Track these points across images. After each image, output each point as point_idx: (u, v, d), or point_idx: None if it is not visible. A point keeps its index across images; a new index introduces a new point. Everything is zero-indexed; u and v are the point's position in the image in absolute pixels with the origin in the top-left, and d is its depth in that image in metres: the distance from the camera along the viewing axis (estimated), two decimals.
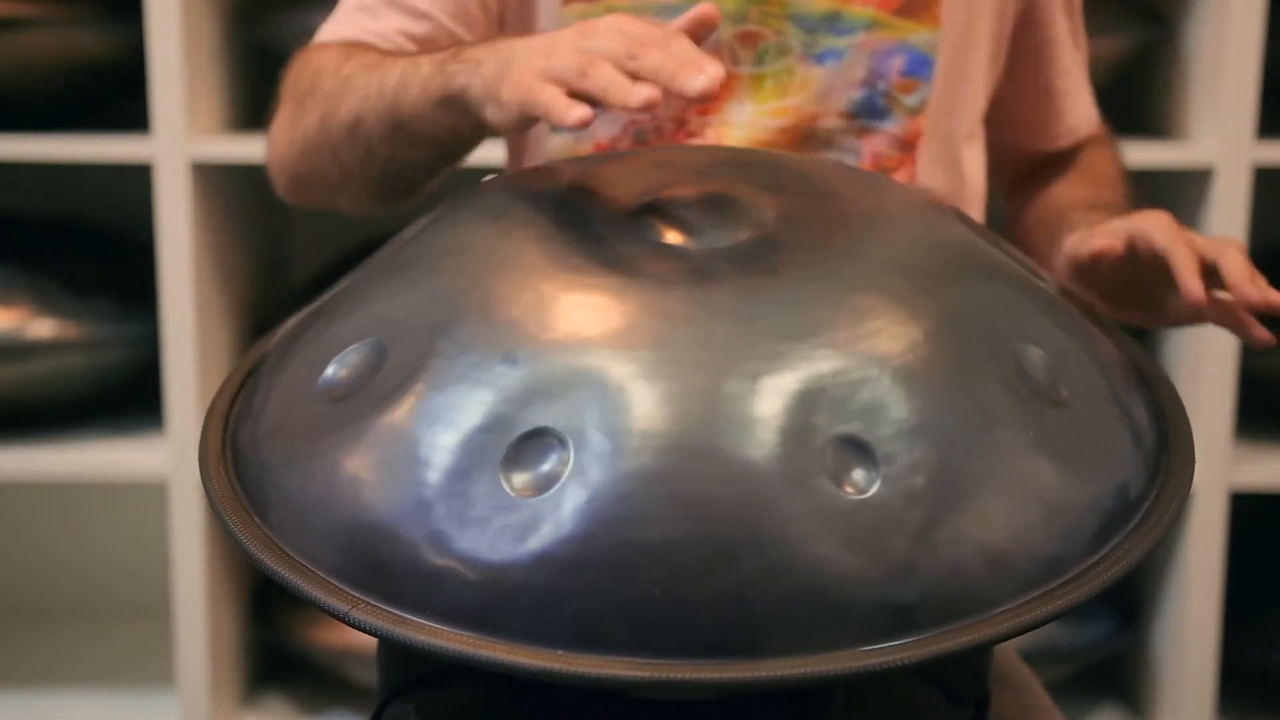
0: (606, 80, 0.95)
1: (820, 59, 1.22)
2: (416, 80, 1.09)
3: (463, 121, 1.07)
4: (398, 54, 1.17)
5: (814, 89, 1.22)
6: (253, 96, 2.29)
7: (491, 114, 1.03)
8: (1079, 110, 1.41)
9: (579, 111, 0.94)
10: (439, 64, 1.08)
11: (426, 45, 1.23)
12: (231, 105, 2.21)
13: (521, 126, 1.02)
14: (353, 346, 0.92)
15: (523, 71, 1.00)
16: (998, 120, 1.37)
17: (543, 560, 0.80)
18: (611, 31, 0.98)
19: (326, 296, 1.02)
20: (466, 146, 1.13)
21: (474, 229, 0.98)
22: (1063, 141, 1.41)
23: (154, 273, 2.10)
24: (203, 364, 2.07)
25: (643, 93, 0.93)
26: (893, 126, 1.24)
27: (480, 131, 1.09)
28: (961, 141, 1.29)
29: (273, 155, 1.25)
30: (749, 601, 0.78)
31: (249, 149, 2.04)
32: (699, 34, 1.02)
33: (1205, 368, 2.04)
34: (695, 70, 0.93)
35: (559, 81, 0.97)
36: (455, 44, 1.24)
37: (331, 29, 1.27)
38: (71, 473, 2.15)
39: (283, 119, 1.23)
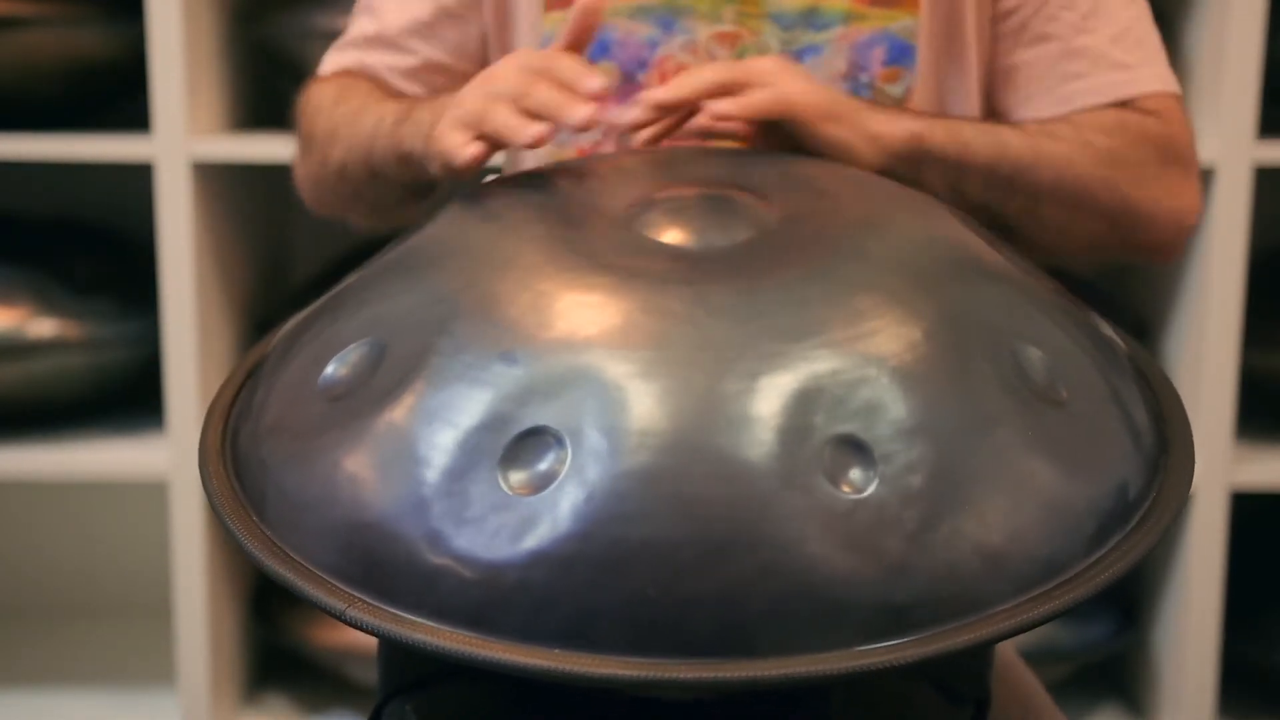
0: (500, 122, 1.04)
1: (800, 56, 1.22)
2: (382, 136, 1.20)
3: (419, 174, 1.16)
4: (381, 96, 1.27)
5: None
6: (254, 96, 2.30)
7: (431, 170, 1.12)
8: (1099, 70, 1.25)
9: (472, 150, 1.05)
10: (395, 122, 1.18)
11: (415, 77, 1.33)
12: (232, 105, 2.21)
13: (446, 177, 1.11)
14: (352, 345, 0.93)
15: (438, 125, 1.09)
16: (1009, 103, 1.29)
17: (539, 559, 0.80)
18: (508, 73, 1.07)
19: (327, 296, 1.03)
20: (437, 188, 1.21)
21: (473, 229, 0.98)
22: (1079, 100, 1.25)
23: (155, 272, 2.10)
24: (203, 363, 2.07)
25: (532, 131, 1.02)
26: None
27: (437, 181, 1.17)
28: None
29: (299, 181, 1.37)
30: (745, 601, 0.78)
31: (250, 148, 2.04)
32: (585, 33, 1.10)
33: (1206, 367, 2.04)
34: (576, 102, 1.02)
35: (465, 127, 1.06)
36: (440, 73, 1.33)
37: (332, 60, 1.37)
38: (72, 472, 2.15)
39: (298, 154, 1.35)
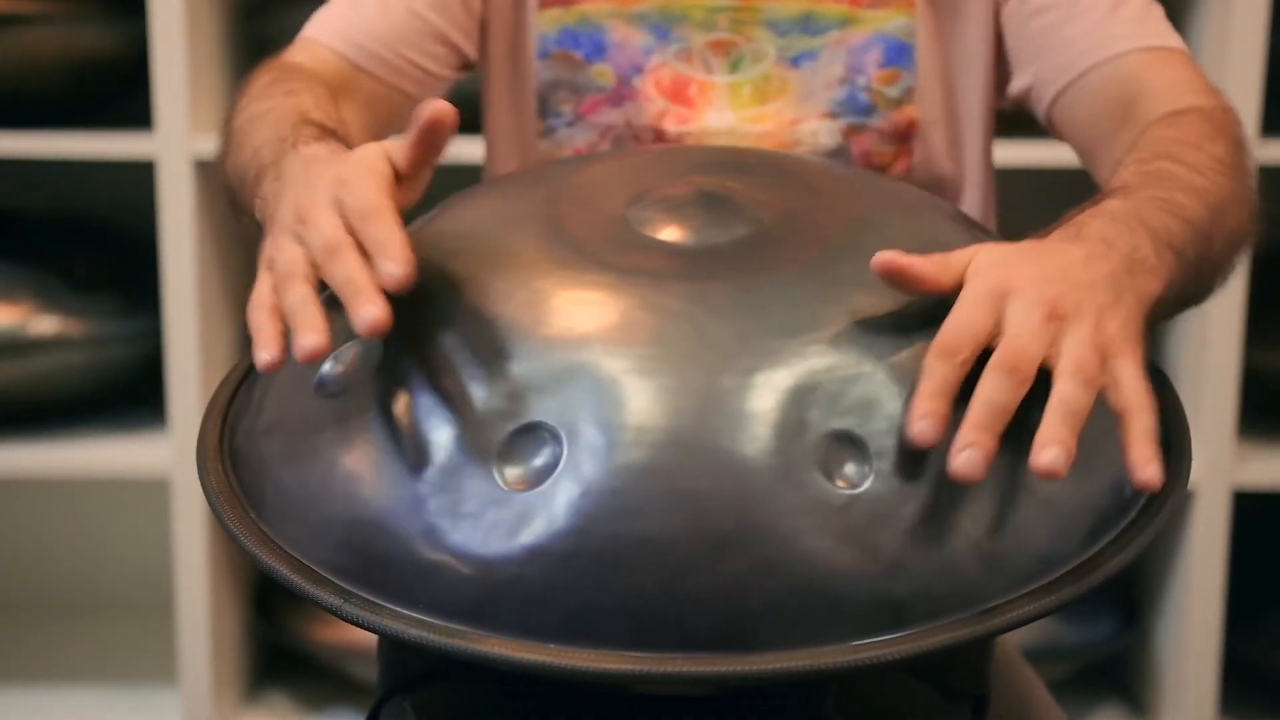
0: (291, 306, 0.88)
1: (796, 62, 1.22)
2: (249, 178, 1.07)
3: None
4: (288, 109, 1.13)
5: (793, 93, 1.22)
6: None
7: None
8: (1098, 29, 1.19)
9: (265, 358, 0.87)
10: (258, 174, 1.05)
11: (412, 44, 1.25)
12: (234, 102, 2.21)
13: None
14: (349, 343, 0.93)
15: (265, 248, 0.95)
16: (1021, 83, 1.24)
17: (536, 554, 0.80)
18: (322, 221, 0.90)
19: (324, 295, 1.03)
20: None
21: (469, 227, 0.98)
22: (1082, 62, 1.19)
23: (157, 270, 2.10)
24: (205, 361, 2.08)
25: (308, 342, 0.85)
26: (879, 121, 1.23)
27: None
28: (967, 123, 1.27)
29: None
30: (742, 596, 0.78)
31: None
32: (433, 142, 0.92)
33: (1208, 366, 2.04)
34: (364, 302, 0.85)
35: (265, 307, 0.89)
36: (442, 44, 1.26)
37: (316, 24, 1.30)
38: (74, 469, 2.15)
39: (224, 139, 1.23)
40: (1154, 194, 1.00)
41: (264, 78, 1.22)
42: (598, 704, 0.96)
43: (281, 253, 0.91)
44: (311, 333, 0.85)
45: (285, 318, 0.88)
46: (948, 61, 1.25)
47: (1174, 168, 1.05)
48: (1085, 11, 1.20)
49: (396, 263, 0.85)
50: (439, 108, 0.89)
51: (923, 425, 0.79)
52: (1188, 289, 0.99)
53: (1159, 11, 1.23)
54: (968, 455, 0.79)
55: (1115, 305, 0.87)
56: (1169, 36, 1.20)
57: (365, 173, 0.91)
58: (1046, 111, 1.22)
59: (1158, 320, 0.95)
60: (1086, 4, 1.20)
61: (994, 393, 0.80)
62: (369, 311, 0.85)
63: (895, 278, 0.86)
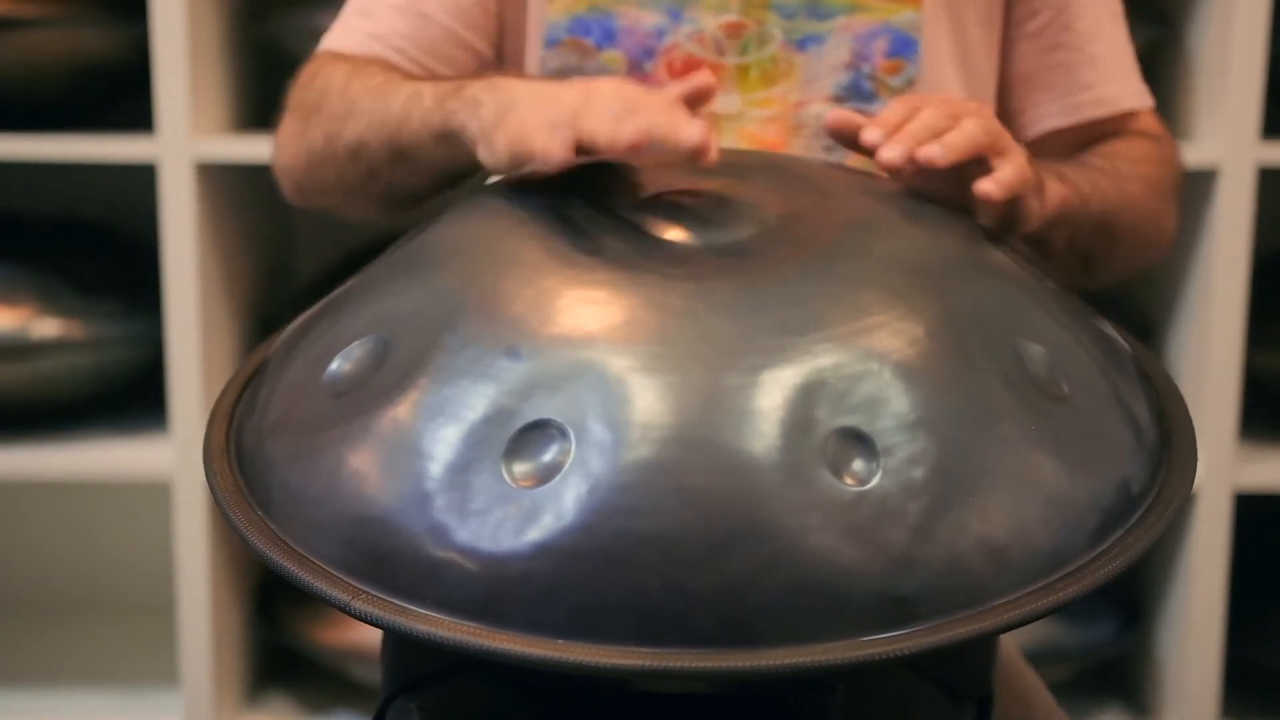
0: (599, 127, 0.98)
1: (802, 45, 1.23)
2: (418, 112, 1.12)
3: (459, 156, 1.10)
4: (403, 77, 1.20)
5: (799, 76, 1.23)
6: (257, 96, 2.30)
7: (484, 154, 1.06)
8: (1106, 81, 1.30)
9: (565, 153, 0.98)
10: (440, 98, 1.11)
11: (428, 49, 1.26)
12: (236, 105, 2.21)
13: (511, 168, 1.04)
14: (356, 342, 0.93)
15: (520, 120, 1.02)
16: (1021, 105, 1.31)
17: (543, 551, 0.80)
18: (608, 89, 1.01)
19: (331, 296, 1.03)
20: (465, 175, 1.16)
21: (477, 228, 0.98)
22: (1086, 112, 1.29)
23: (158, 272, 2.10)
24: (207, 363, 2.08)
25: (628, 136, 0.96)
26: (881, 109, 1.23)
27: (476, 165, 1.10)
28: None
29: (279, 162, 1.28)
30: (749, 592, 0.79)
31: (254, 149, 2.04)
32: (695, 103, 1.06)
33: (1209, 368, 2.04)
34: (688, 127, 0.96)
35: (558, 128, 1.00)
36: (461, 48, 1.26)
37: (336, 36, 1.29)
38: (76, 471, 2.15)
39: (289, 130, 1.26)
40: (1082, 170, 1.20)
41: (337, 69, 1.24)
42: (603, 702, 0.96)
43: (568, 108, 1.00)
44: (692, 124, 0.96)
45: (593, 132, 0.97)
46: (953, 59, 1.26)
47: (1095, 160, 1.23)
48: (1092, 60, 1.29)
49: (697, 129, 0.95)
50: (710, 78, 1.07)
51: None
52: (1082, 237, 1.18)
53: (1132, 54, 1.34)
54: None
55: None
56: (1146, 91, 1.34)
57: (650, 91, 1.02)
58: (1031, 136, 1.30)
59: (1029, 218, 1.08)
60: (1094, 51, 1.29)
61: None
62: (695, 130, 0.95)
63: (845, 134, 1.05)
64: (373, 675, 2.09)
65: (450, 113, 1.09)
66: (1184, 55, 2.09)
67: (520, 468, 0.82)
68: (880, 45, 1.23)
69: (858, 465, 0.82)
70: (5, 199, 2.38)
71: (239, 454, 0.96)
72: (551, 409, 0.83)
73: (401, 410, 0.86)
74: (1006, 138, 1.05)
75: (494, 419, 0.84)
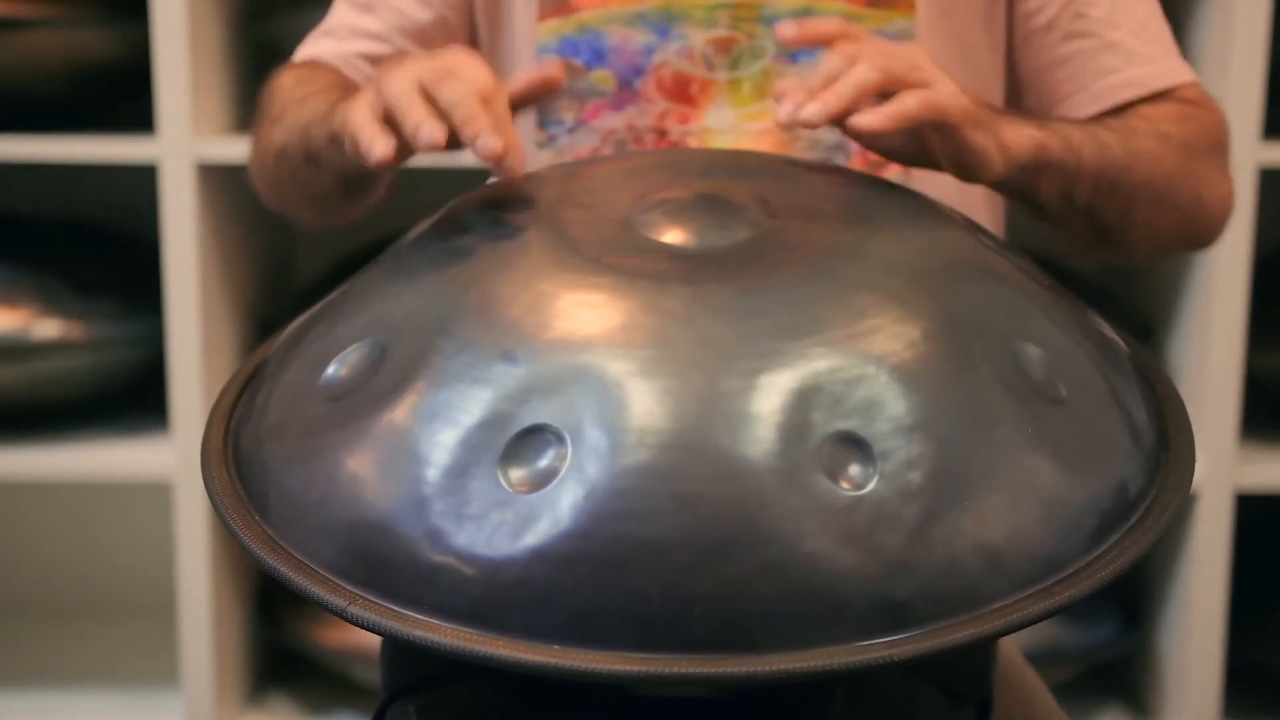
0: (409, 116, 0.97)
1: (794, 58, 1.22)
2: (321, 115, 1.15)
3: (351, 161, 1.08)
4: (334, 86, 1.23)
5: None
6: (258, 97, 2.29)
7: (348, 151, 1.06)
8: (1131, 64, 1.25)
9: (383, 150, 0.98)
10: (332, 105, 1.12)
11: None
12: (237, 106, 2.21)
13: (359, 161, 1.03)
14: (353, 346, 0.93)
15: (349, 103, 1.04)
16: (1049, 100, 1.28)
17: (540, 556, 0.80)
18: (438, 62, 1.00)
19: (329, 299, 1.03)
20: (371, 178, 1.17)
21: (474, 231, 0.98)
22: (1115, 96, 1.24)
23: (159, 273, 2.10)
24: (207, 364, 2.08)
25: (428, 135, 0.96)
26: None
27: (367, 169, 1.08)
28: None
29: (249, 167, 1.33)
30: (745, 597, 0.79)
31: None
32: (543, 91, 1.07)
33: (1210, 369, 2.04)
34: (481, 130, 0.96)
35: (374, 110, 1.00)
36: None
37: (305, 48, 1.34)
38: (76, 473, 2.15)
39: (254, 136, 1.31)
40: (1082, 125, 1.17)
41: (286, 78, 1.28)
42: (601, 707, 0.96)
43: (390, 78, 0.99)
44: (427, 121, 0.95)
45: (390, 112, 0.97)
46: (951, 63, 1.25)
47: (1105, 120, 1.20)
48: (1112, 45, 1.24)
49: (499, 139, 0.95)
50: (557, 69, 1.06)
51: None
52: (1080, 192, 1.14)
53: (1169, 31, 1.28)
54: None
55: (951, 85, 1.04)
56: (1187, 67, 1.27)
57: (478, 65, 1.00)
58: None
59: (1026, 184, 1.10)
60: (1113, 36, 1.24)
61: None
62: (489, 141, 0.95)
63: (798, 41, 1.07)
64: (373, 676, 2.09)
65: (340, 112, 1.09)
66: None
67: (517, 473, 0.82)
68: None
69: (854, 469, 0.82)
70: (5, 199, 2.38)
71: (237, 457, 0.96)
72: (548, 414, 0.83)
73: (398, 414, 0.86)
74: (923, 72, 1.03)
75: (490, 424, 0.83)
